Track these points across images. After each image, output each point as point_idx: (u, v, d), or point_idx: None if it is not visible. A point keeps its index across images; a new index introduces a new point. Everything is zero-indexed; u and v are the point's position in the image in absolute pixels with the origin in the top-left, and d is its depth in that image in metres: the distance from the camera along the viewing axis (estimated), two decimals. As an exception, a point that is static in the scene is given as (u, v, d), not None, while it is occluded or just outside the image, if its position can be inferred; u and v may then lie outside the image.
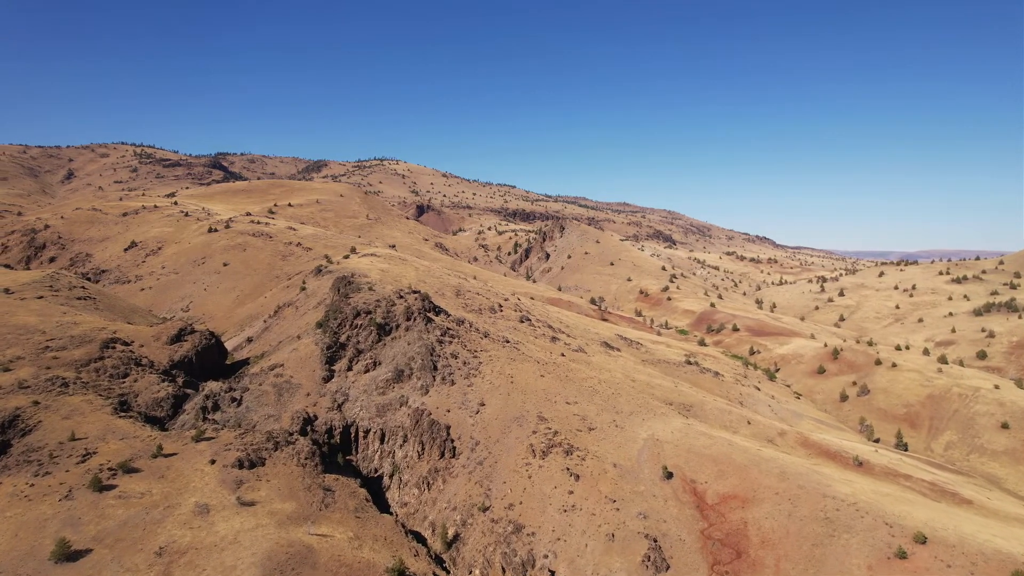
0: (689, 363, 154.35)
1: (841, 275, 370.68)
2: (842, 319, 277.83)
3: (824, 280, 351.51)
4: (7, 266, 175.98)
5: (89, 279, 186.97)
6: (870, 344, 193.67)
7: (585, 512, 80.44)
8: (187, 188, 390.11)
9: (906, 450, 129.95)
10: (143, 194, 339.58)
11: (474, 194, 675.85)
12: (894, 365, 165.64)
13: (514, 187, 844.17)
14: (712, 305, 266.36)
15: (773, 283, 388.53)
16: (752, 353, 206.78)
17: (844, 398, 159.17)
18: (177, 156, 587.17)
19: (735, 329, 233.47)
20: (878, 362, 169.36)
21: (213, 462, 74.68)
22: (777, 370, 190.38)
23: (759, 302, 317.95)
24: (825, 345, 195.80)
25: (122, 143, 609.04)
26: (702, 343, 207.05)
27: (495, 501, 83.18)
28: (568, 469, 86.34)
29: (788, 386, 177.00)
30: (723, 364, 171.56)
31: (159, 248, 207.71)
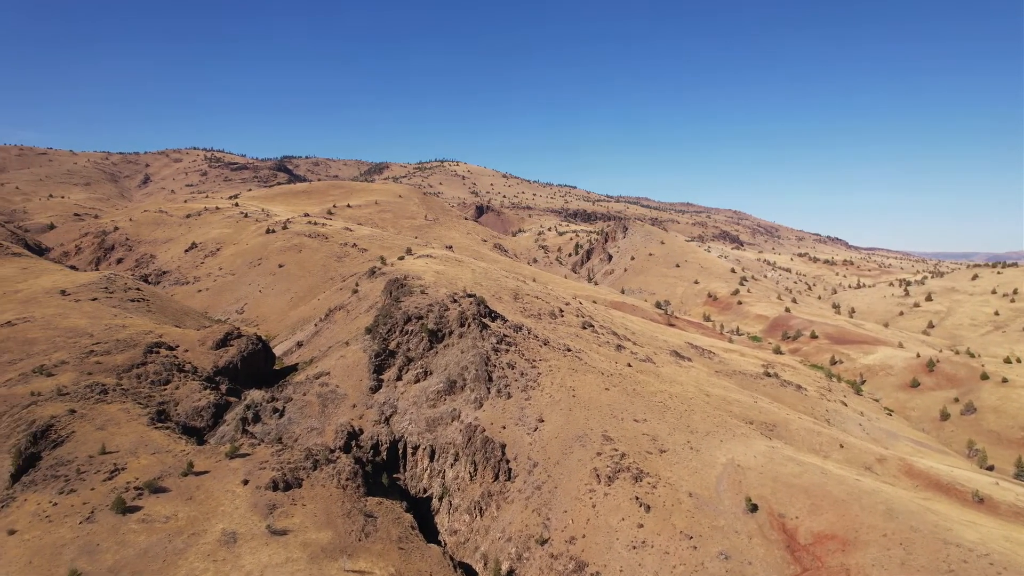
0: (768, 375, 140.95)
1: (926, 278, 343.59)
2: (931, 326, 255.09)
3: (908, 283, 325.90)
4: (72, 267, 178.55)
5: (150, 280, 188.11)
6: (971, 355, 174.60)
7: (657, 550, 70.29)
8: (250, 190, 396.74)
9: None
10: (207, 196, 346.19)
11: (534, 195, 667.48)
12: (1005, 380, 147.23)
13: (575, 187, 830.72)
14: (787, 310, 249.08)
15: (850, 286, 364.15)
16: (833, 363, 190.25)
17: (945, 416, 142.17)
18: (244, 160, 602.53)
19: (813, 336, 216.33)
20: (984, 376, 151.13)
21: (246, 482, 68.32)
22: (863, 382, 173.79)
23: (836, 306, 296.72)
24: (918, 355, 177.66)
25: (194, 148, 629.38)
26: (778, 351, 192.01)
27: (554, 533, 73.98)
28: (637, 498, 76.25)
29: (877, 401, 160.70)
30: (804, 376, 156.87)
31: (217, 249, 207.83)
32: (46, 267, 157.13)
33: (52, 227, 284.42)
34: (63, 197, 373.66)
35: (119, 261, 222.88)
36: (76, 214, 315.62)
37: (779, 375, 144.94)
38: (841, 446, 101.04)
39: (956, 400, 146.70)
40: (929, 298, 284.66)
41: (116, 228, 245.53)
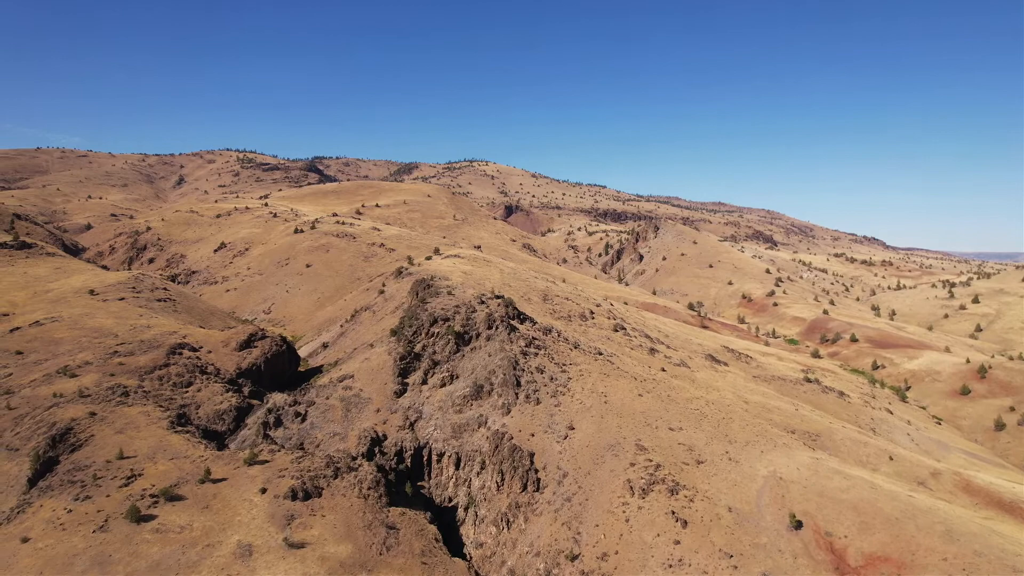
0: (808, 380, 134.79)
1: (972, 279, 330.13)
2: (979, 330, 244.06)
3: (952, 285, 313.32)
4: (104, 267, 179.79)
5: (179, 280, 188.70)
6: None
7: (695, 569, 65.89)
8: (280, 191, 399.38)
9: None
10: (238, 197, 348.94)
11: (564, 194, 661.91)
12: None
13: (604, 187, 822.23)
14: (824, 312, 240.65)
15: (889, 287, 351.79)
16: (875, 368, 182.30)
17: (1000, 427, 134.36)
18: (276, 160, 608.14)
19: (853, 339, 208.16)
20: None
21: (264, 491, 65.80)
22: (907, 389, 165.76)
23: (875, 308, 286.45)
24: (967, 361, 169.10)
25: (227, 149, 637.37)
26: (816, 355, 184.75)
27: (585, 548, 70.04)
28: (673, 512, 71.85)
29: (924, 409, 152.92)
30: (845, 382, 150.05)
31: (246, 249, 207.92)
32: (78, 267, 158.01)
33: (89, 227, 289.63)
34: (101, 198, 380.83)
35: (150, 261, 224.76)
36: (112, 214, 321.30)
37: (820, 381, 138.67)
38: (890, 458, 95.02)
39: (1012, 409, 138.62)
40: (976, 300, 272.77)
41: (148, 228, 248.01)
